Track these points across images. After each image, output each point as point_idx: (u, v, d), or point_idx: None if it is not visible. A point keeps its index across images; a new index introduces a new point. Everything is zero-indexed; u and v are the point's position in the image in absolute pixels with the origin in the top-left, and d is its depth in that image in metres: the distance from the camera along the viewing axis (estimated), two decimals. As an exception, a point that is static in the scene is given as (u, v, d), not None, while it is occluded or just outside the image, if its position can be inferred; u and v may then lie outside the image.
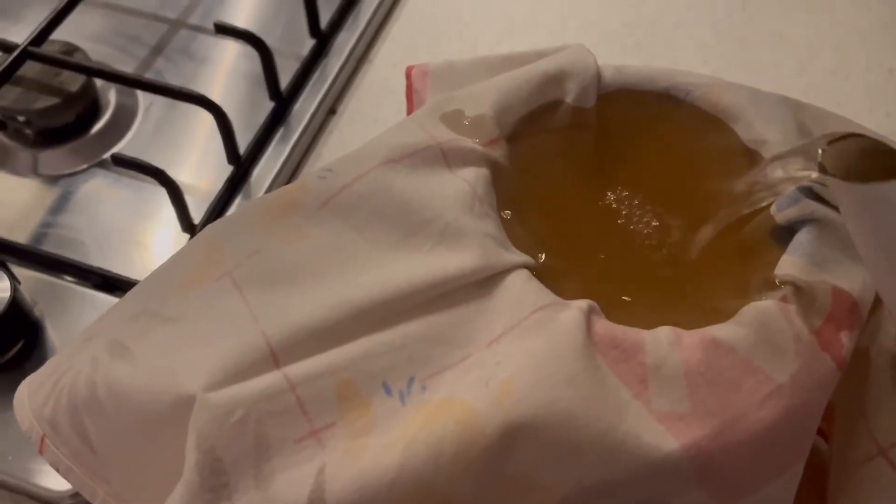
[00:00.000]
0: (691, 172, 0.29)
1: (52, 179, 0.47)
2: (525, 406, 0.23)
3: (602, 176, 0.30)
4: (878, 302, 0.27)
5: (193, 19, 0.55)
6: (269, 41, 0.52)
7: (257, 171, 0.48)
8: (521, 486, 0.24)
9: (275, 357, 0.24)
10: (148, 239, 0.45)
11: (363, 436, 0.23)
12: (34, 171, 0.48)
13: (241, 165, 0.47)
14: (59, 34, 0.48)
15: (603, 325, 0.25)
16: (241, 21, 0.55)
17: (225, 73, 0.53)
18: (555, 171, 0.30)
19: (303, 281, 0.26)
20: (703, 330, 0.25)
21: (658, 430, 0.23)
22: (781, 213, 0.27)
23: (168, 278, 0.28)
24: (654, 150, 0.30)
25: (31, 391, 0.28)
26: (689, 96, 0.30)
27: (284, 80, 0.51)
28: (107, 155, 0.48)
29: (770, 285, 0.26)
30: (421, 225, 0.26)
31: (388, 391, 0.24)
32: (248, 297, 0.25)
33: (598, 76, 0.30)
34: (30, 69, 0.47)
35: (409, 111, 0.40)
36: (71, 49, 0.49)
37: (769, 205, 0.27)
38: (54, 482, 0.36)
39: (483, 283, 0.25)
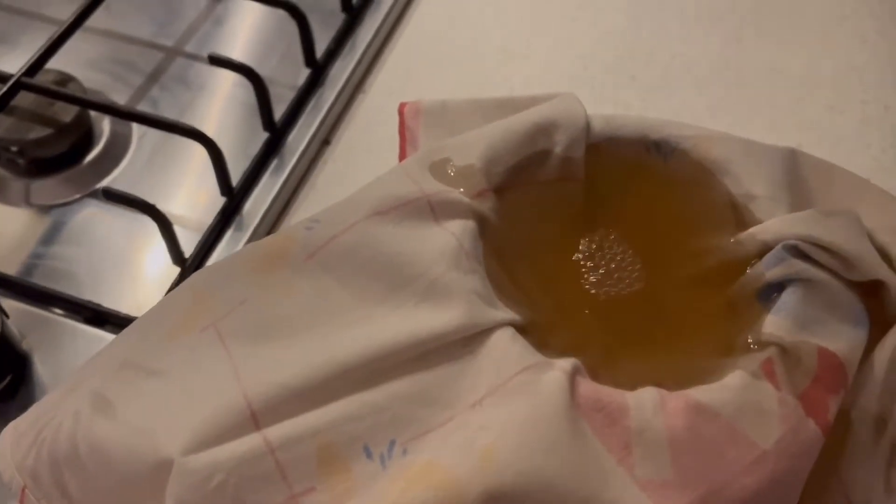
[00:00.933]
0: (678, 227, 0.29)
1: (45, 209, 0.47)
2: (507, 474, 0.22)
3: (590, 229, 0.30)
4: (863, 361, 0.26)
5: (189, 47, 0.55)
6: (265, 70, 0.52)
7: (250, 203, 0.48)
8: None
9: (255, 419, 0.23)
10: (140, 271, 0.45)
11: (343, 501, 0.23)
12: (26, 201, 0.48)
13: (234, 197, 0.47)
14: (55, 61, 0.48)
15: (587, 387, 0.24)
16: (237, 50, 0.55)
17: (220, 101, 0.53)
18: (542, 224, 0.30)
19: (288, 335, 0.25)
20: (688, 393, 0.25)
21: (641, 499, 0.23)
22: (768, 272, 0.27)
23: (154, 326, 0.28)
24: (642, 203, 0.30)
25: (13, 441, 0.28)
26: (678, 149, 0.30)
27: (279, 110, 0.51)
28: (100, 185, 0.48)
29: (755, 345, 0.26)
30: (407, 280, 0.26)
31: (368, 455, 0.24)
32: (232, 350, 0.25)
33: (588, 127, 0.30)
34: (23, 99, 0.47)
35: (402, 147, 0.40)
36: (65, 79, 0.49)
37: (756, 263, 0.27)
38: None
39: (468, 340, 0.25)
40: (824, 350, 0.25)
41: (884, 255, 0.29)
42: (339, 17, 0.56)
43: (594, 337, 0.28)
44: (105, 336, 0.42)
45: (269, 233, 0.48)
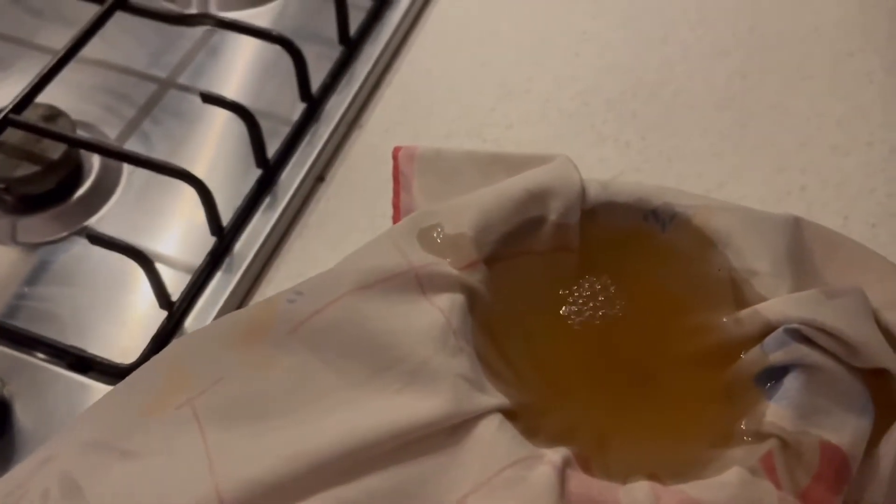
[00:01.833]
0: (675, 302, 0.28)
1: (31, 248, 0.46)
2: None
3: (583, 302, 0.29)
4: (868, 453, 0.25)
5: (183, 79, 0.54)
6: (259, 104, 0.51)
7: (241, 243, 0.47)
8: None
9: (228, 516, 0.22)
10: (126, 315, 0.44)
11: None
12: (12, 239, 0.47)
13: (224, 238, 0.46)
14: (46, 92, 0.47)
15: (578, 483, 0.23)
16: (231, 82, 0.54)
17: (214, 134, 0.52)
18: (535, 297, 0.29)
19: (265, 419, 0.24)
20: (683, 489, 0.23)
21: None
22: (768, 356, 0.26)
23: (129, 399, 0.27)
24: (638, 276, 0.29)
25: (-19, 516, 0.27)
26: (676, 219, 0.29)
27: (274, 145, 0.50)
28: (89, 222, 0.47)
29: (754, 436, 0.25)
30: (391, 362, 0.25)
31: (344, 557, 0.22)
32: (207, 434, 0.24)
33: (583, 193, 0.29)
34: (11, 135, 0.46)
35: (396, 193, 0.39)
36: (54, 113, 0.48)
37: (755, 345, 0.26)
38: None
39: (453, 430, 0.24)
40: (827, 444, 0.24)
41: (889, 335, 0.27)
42: (336, 50, 0.55)
43: (586, 420, 0.27)
44: (88, 383, 0.41)
45: (259, 274, 0.47)
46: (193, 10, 0.58)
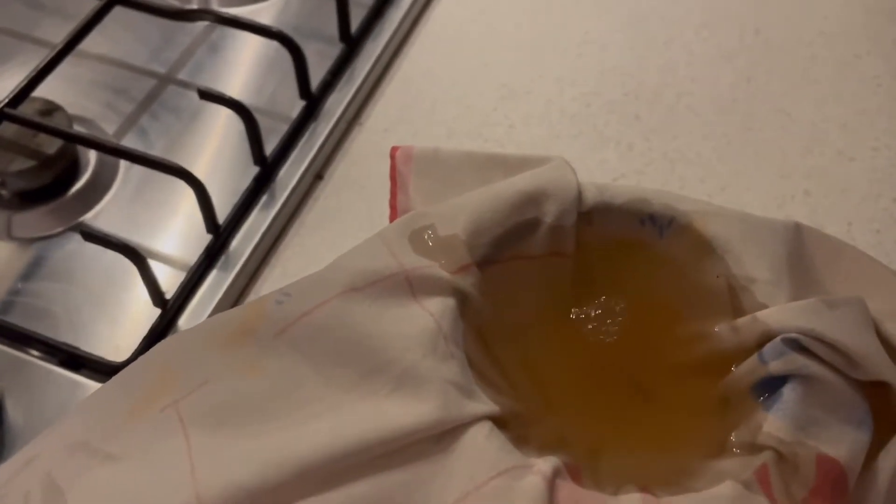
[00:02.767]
0: (671, 310, 0.28)
1: (26, 243, 0.46)
2: None
3: (577, 309, 0.28)
4: (867, 466, 0.25)
5: (182, 75, 0.54)
6: (259, 101, 0.51)
7: (237, 241, 0.46)
8: None
9: (208, 523, 0.22)
10: (120, 312, 0.44)
11: None
12: (8, 234, 0.46)
13: (220, 235, 0.46)
14: (44, 85, 0.47)
15: (567, 493, 0.23)
16: (230, 78, 0.54)
17: (211, 130, 0.52)
18: (529, 301, 0.28)
19: (250, 423, 0.24)
20: (676, 501, 0.23)
21: None
22: (765, 366, 0.26)
23: (116, 400, 0.27)
24: (633, 282, 0.28)
25: (-35, 515, 0.26)
26: (674, 224, 0.28)
27: (272, 143, 0.50)
28: (84, 217, 0.47)
29: (749, 448, 0.24)
30: (380, 366, 0.25)
31: (326, 566, 0.22)
32: (191, 437, 0.24)
33: (579, 196, 0.29)
34: (7, 129, 0.46)
35: (393, 193, 0.39)
36: (51, 108, 0.47)
37: (752, 355, 0.26)
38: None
39: (441, 437, 0.24)
40: (824, 457, 0.24)
41: (889, 346, 0.27)
42: (337, 47, 0.54)
43: (578, 429, 0.26)
44: (80, 380, 0.41)
45: (255, 272, 0.46)
46: (194, 6, 0.57)
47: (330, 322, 0.25)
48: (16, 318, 0.43)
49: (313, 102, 0.52)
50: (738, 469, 0.24)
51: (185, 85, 0.53)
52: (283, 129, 0.50)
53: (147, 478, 0.23)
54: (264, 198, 0.48)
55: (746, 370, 0.26)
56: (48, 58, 0.47)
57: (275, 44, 0.50)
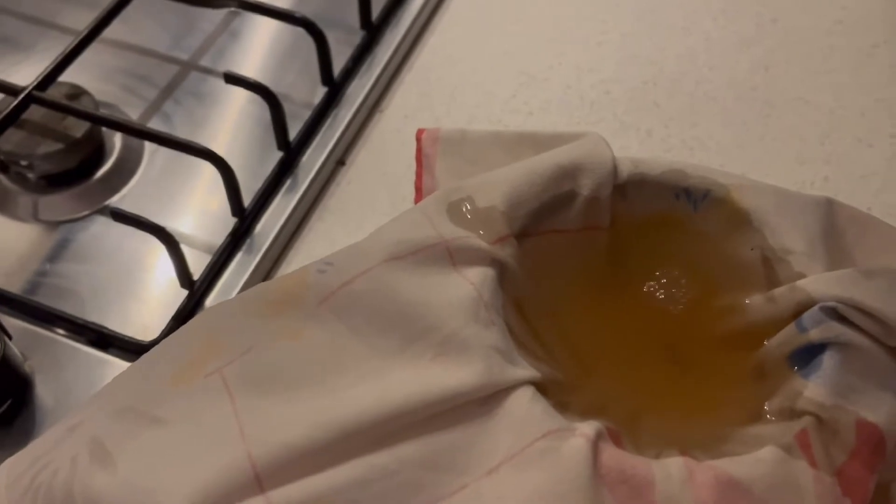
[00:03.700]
0: (707, 281, 0.28)
1: (52, 225, 0.46)
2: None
3: (614, 280, 0.28)
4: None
5: (205, 61, 0.54)
6: (281, 87, 0.51)
7: (261, 224, 0.47)
8: None
9: (259, 481, 0.22)
10: (147, 292, 0.44)
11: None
12: (34, 217, 0.47)
13: (245, 218, 0.46)
14: (68, 72, 0.47)
15: (610, 456, 0.23)
16: (252, 65, 0.54)
17: (234, 117, 0.52)
18: (565, 273, 0.28)
19: (296, 388, 0.24)
20: (717, 465, 0.23)
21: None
22: (803, 334, 0.26)
23: (159, 367, 0.27)
24: (669, 254, 0.29)
25: (9, 482, 0.27)
26: (709, 197, 0.29)
27: (295, 129, 0.50)
28: (110, 201, 0.47)
29: (789, 414, 0.25)
30: (422, 332, 0.25)
31: (376, 523, 0.22)
32: (238, 401, 0.24)
33: (615, 170, 0.29)
34: (34, 112, 0.46)
35: (418, 174, 0.39)
36: (78, 92, 0.48)
37: (788, 324, 0.26)
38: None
39: (485, 400, 0.24)
40: (863, 421, 0.24)
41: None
42: (357, 35, 0.55)
43: (617, 397, 0.26)
44: (109, 359, 0.41)
45: (279, 256, 0.47)
46: (216, -7, 0.57)
47: (372, 290, 0.26)
48: (43, 299, 0.43)
49: (335, 89, 0.52)
50: (777, 434, 0.24)
51: (207, 71, 0.54)
52: (305, 115, 0.51)
53: (197, 439, 0.24)
54: (288, 182, 0.49)
55: (783, 339, 0.26)
56: (74, 43, 0.47)
57: (295, 31, 0.51)
